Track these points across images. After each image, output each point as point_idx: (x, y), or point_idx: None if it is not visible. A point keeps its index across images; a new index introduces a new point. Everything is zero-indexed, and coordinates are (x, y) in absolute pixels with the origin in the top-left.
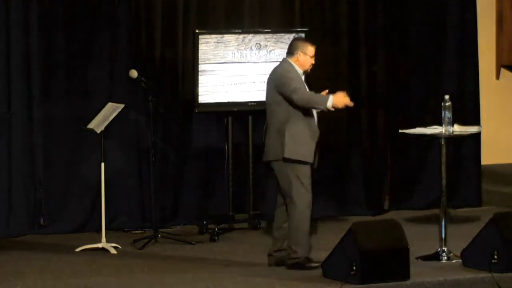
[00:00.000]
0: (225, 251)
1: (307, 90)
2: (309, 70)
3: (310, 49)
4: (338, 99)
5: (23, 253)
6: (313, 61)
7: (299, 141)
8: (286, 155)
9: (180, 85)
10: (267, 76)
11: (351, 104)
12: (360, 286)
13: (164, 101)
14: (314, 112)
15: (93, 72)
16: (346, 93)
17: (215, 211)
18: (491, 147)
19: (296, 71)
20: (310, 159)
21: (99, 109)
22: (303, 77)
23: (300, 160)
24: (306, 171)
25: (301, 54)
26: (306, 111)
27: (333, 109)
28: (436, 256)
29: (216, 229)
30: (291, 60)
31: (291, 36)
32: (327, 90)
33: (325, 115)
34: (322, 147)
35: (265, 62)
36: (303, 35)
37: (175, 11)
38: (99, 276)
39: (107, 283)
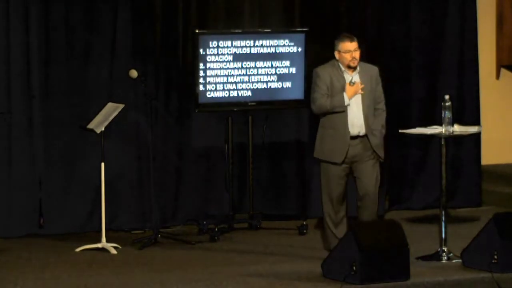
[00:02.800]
0: (225, 251)
1: (343, 88)
2: (352, 64)
3: (341, 45)
4: (350, 93)
5: (23, 253)
6: (349, 56)
7: (324, 140)
8: (314, 154)
9: (180, 85)
10: (267, 75)
11: (361, 86)
12: (360, 286)
13: (164, 101)
14: (350, 112)
15: (93, 72)
16: (348, 83)
17: (215, 211)
18: (491, 147)
19: (333, 71)
20: (332, 158)
21: (99, 109)
22: (348, 74)
23: (322, 159)
24: (329, 169)
25: (336, 52)
26: (331, 113)
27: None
28: (436, 256)
29: (216, 229)
30: (337, 58)
31: (291, 36)
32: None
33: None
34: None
35: (265, 61)
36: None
37: (175, 11)
38: (99, 276)
39: (107, 283)
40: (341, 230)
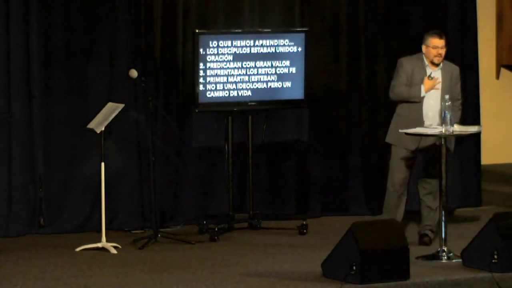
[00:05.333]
0: (225, 251)
1: (423, 80)
2: (436, 60)
3: (430, 40)
4: (428, 86)
5: (23, 253)
6: (435, 52)
7: (399, 127)
8: (386, 139)
9: (180, 85)
10: (267, 75)
11: (439, 82)
12: (360, 286)
13: (164, 101)
14: (426, 104)
15: (93, 72)
16: (427, 78)
17: (215, 211)
18: (491, 147)
19: (416, 64)
20: (406, 145)
21: (99, 109)
22: (429, 69)
23: (395, 144)
24: (399, 153)
25: (424, 46)
26: (407, 102)
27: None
28: (436, 256)
29: (216, 229)
30: (423, 52)
31: (291, 36)
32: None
33: (324, 115)
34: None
35: (265, 61)
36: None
37: (175, 11)
38: (99, 276)
39: (107, 283)
40: (399, 214)
